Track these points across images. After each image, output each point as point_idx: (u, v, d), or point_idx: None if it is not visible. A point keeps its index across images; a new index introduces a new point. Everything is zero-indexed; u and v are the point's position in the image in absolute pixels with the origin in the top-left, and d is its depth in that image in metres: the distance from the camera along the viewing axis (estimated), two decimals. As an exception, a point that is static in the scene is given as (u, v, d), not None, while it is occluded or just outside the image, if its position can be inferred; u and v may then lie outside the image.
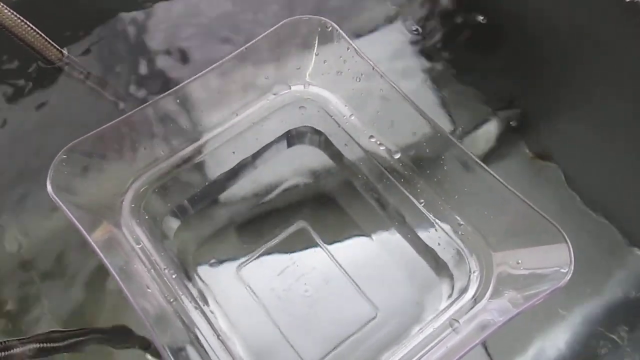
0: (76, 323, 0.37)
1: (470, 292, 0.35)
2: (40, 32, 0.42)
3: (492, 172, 0.34)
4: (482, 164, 0.35)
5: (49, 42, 0.44)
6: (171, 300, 0.34)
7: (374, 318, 0.36)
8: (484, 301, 0.34)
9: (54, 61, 0.46)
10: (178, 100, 0.38)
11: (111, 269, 0.31)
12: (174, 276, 0.36)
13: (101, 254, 0.31)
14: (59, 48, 0.46)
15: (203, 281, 0.38)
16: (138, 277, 0.34)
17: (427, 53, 0.47)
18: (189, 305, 0.35)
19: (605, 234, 0.40)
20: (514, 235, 0.34)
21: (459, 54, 0.46)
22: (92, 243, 0.32)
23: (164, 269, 0.35)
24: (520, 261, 0.34)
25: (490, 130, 0.44)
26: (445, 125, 0.41)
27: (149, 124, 0.37)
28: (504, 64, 0.45)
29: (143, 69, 0.48)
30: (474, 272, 0.36)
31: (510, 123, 0.44)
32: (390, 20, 0.49)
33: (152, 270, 0.35)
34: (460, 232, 0.37)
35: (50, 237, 0.39)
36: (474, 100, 0.45)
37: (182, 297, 0.35)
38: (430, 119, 0.36)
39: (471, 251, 0.36)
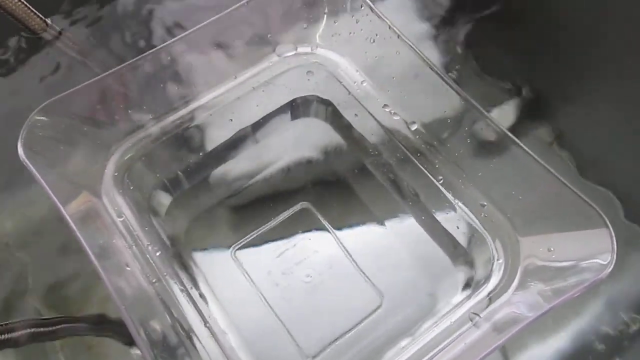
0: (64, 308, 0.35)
1: (493, 282, 0.32)
2: (22, 1, 0.41)
3: (522, 144, 0.30)
4: (511, 135, 0.31)
5: (32, 11, 0.42)
6: (153, 280, 0.31)
7: (379, 307, 0.34)
8: (508, 293, 0.31)
9: (37, 31, 0.45)
10: (169, 58, 0.35)
11: (84, 243, 0.28)
12: (157, 254, 0.33)
13: (74, 226, 0.28)
14: (43, 17, 0.44)
15: (194, 262, 0.35)
16: (117, 253, 0.31)
17: (441, 34, 0.45)
18: (175, 288, 0.32)
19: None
20: (544, 218, 0.31)
21: (476, 34, 0.44)
22: (65, 213, 0.28)
23: (148, 245, 0.33)
24: (552, 248, 0.31)
25: (503, 113, 0.42)
26: (438, 107, 0.36)
27: (136, 83, 0.34)
28: (521, 44, 0.44)
29: (133, 39, 0.45)
30: (497, 260, 0.33)
31: (525, 106, 0.42)
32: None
33: (134, 246, 0.32)
34: (482, 215, 0.34)
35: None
36: (489, 81, 0.43)
37: (167, 277, 0.32)
38: (453, 85, 0.33)
39: (495, 236, 0.33)
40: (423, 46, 0.43)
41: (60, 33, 0.45)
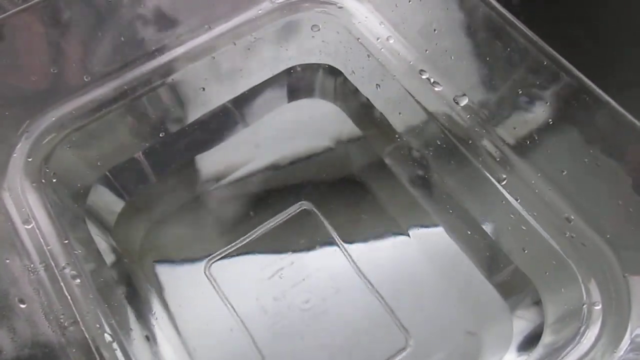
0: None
1: (585, 337, 0.25)
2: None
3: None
4: (625, 112, 0.24)
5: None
6: (65, 324, 0.25)
7: (403, 349, 0.31)
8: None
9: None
10: None
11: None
12: (77, 281, 0.26)
13: None
14: None
15: (149, 282, 0.32)
16: (5, 280, 0.25)
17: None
18: (103, 332, 0.26)
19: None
20: None
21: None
22: None
23: (63, 267, 0.26)
24: None
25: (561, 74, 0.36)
26: (500, 70, 0.32)
27: (61, 28, 0.29)
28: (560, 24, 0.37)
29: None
30: (593, 305, 0.26)
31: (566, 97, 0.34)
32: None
33: (42, 270, 0.26)
34: (568, 234, 0.28)
35: None
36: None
37: (89, 317, 0.25)
38: (529, 36, 0.26)
39: (588, 268, 0.27)
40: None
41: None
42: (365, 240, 0.34)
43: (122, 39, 0.31)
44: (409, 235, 0.34)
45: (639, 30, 0.34)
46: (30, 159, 0.29)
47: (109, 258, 0.30)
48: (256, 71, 0.34)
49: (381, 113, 0.34)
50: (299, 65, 0.35)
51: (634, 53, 0.34)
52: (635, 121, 0.24)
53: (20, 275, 0.25)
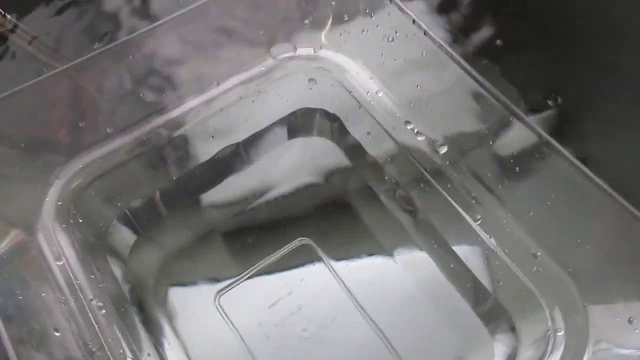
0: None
1: (551, 359, 0.27)
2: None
3: (598, 179, 0.26)
4: (583, 167, 0.26)
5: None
6: (94, 349, 0.27)
7: None
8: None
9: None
10: (132, 57, 0.31)
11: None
12: (102, 312, 0.28)
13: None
14: (2, 11, 0.42)
15: (165, 314, 0.32)
16: (43, 313, 0.26)
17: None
18: (125, 356, 0.28)
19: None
20: (626, 279, 0.27)
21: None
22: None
23: (91, 300, 0.28)
24: (635, 320, 0.26)
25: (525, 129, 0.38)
26: (474, 123, 0.34)
27: (90, 86, 0.31)
28: (542, 57, 0.40)
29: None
30: (557, 331, 0.28)
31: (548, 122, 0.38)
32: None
33: (72, 301, 0.28)
34: (535, 268, 0.29)
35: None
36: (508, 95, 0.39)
37: (113, 343, 0.27)
38: (499, 96, 0.28)
39: (553, 298, 0.29)
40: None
41: (16, 26, 0.42)
42: (359, 270, 0.35)
43: (142, 95, 0.33)
44: (399, 264, 0.35)
45: (593, 94, 0.37)
46: (60, 203, 0.31)
47: (127, 288, 0.31)
48: (260, 119, 0.36)
49: (372, 155, 0.36)
50: (299, 111, 0.37)
51: (589, 111, 0.36)
52: (586, 169, 0.26)
53: (54, 307, 0.27)
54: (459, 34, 0.39)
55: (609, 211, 0.26)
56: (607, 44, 0.38)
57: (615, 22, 0.38)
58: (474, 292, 0.32)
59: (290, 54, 0.36)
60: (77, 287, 0.28)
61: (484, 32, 0.39)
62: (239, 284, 0.34)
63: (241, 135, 0.35)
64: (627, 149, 0.35)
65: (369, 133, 0.35)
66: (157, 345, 0.30)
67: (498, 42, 0.38)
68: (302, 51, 0.37)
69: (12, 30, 0.40)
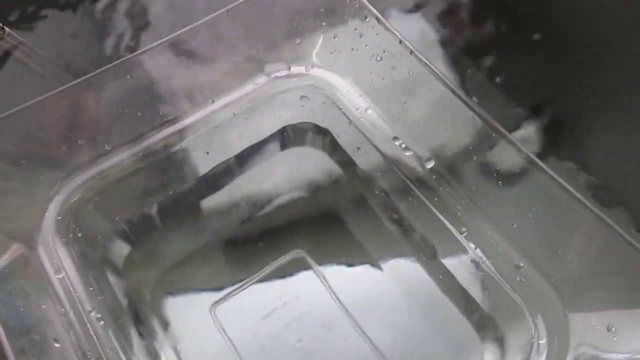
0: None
1: None
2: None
3: (577, 193, 0.26)
4: (562, 181, 0.27)
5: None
6: (92, 359, 0.27)
7: None
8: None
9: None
10: (129, 77, 0.32)
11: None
12: (101, 323, 0.28)
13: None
14: (1, 25, 0.42)
15: (161, 325, 0.32)
16: (44, 324, 0.27)
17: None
18: None
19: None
20: (604, 288, 0.27)
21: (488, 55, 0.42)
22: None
23: (90, 311, 0.28)
24: (613, 328, 0.26)
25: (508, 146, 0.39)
26: (460, 139, 0.34)
27: (88, 106, 0.32)
28: (536, 67, 0.41)
29: (101, 50, 0.42)
30: (539, 339, 0.28)
31: (543, 131, 0.38)
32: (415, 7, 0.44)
33: (71, 313, 0.28)
34: (518, 278, 0.30)
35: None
36: (503, 105, 0.40)
37: (112, 354, 0.28)
38: (481, 113, 0.29)
39: (536, 307, 0.29)
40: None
41: (17, 41, 0.42)
42: (350, 281, 0.34)
43: (139, 114, 0.33)
44: (389, 276, 0.35)
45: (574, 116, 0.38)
46: (59, 217, 0.31)
47: (124, 300, 0.32)
48: (253, 134, 0.36)
49: (362, 169, 0.36)
50: (290, 126, 0.37)
51: (581, 120, 0.38)
52: (566, 184, 0.27)
53: (54, 318, 0.27)
54: (447, 48, 0.40)
55: (588, 224, 0.26)
56: (600, 54, 0.39)
57: (607, 31, 0.39)
58: (463, 302, 0.32)
59: (284, 72, 0.36)
60: (76, 299, 0.29)
61: (474, 44, 0.40)
62: (234, 295, 0.34)
63: (235, 151, 0.36)
64: (622, 156, 0.36)
65: (358, 148, 0.36)
66: (154, 355, 0.30)
67: (488, 54, 0.39)
68: (294, 69, 0.37)
69: (14, 46, 0.41)
